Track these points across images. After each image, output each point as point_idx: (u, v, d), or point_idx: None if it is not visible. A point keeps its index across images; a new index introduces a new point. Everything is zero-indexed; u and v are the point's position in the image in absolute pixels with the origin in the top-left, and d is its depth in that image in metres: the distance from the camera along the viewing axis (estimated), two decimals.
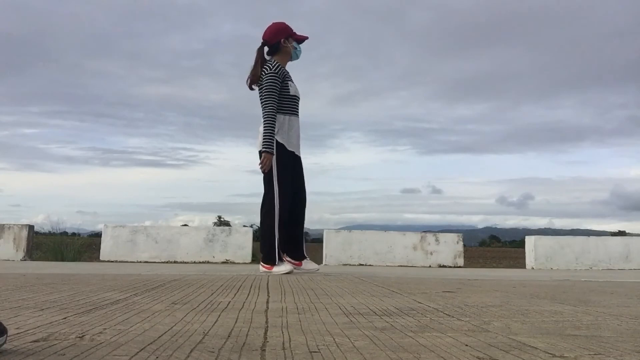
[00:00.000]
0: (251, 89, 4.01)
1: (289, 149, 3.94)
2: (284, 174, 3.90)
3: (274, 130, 3.85)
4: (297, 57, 4.08)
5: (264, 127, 3.84)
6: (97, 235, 8.45)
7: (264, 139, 3.82)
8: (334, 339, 1.14)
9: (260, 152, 3.87)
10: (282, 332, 1.22)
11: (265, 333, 1.21)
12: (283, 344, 1.08)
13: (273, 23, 4.06)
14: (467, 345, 1.09)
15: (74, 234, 9.38)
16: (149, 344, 1.04)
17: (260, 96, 3.92)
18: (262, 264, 3.96)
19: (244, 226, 8.45)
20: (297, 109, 4.00)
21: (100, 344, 1.04)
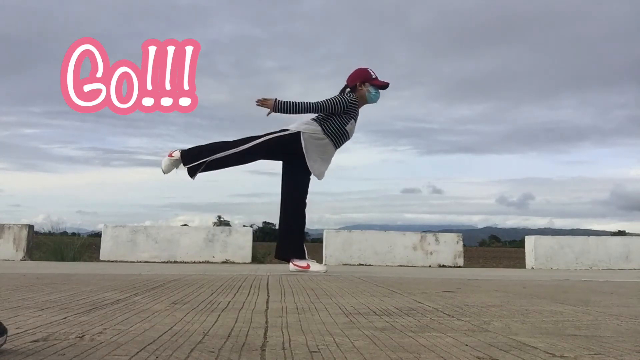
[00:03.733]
0: None
1: (309, 162, 4.04)
2: (268, 146, 4.04)
3: (296, 106, 4.00)
4: (372, 101, 4.25)
5: (296, 102, 4.00)
6: (97, 235, 8.44)
7: (293, 103, 3.99)
8: (334, 339, 1.14)
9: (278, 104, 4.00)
10: (282, 332, 1.22)
11: (265, 333, 1.21)
12: (283, 344, 1.08)
13: (357, 68, 4.27)
14: (467, 345, 1.09)
15: (74, 234, 9.36)
16: (149, 344, 1.04)
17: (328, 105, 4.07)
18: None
19: (244, 226, 8.44)
20: (342, 144, 4.17)
21: (100, 344, 1.04)
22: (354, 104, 4.10)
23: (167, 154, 4.06)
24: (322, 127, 4.02)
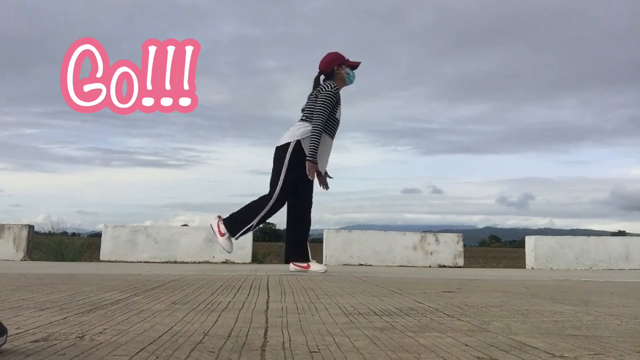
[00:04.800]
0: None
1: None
2: (291, 181, 4.05)
3: (319, 142, 4.02)
4: (350, 82, 4.30)
5: (313, 137, 4.00)
6: (97, 235, 8.43)
7: (310, 148, 4.00)
8: (334, 339, 1.14)
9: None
10: (282, 332, 1.22)
11: (265, 333, 1.21)
12: (283, 344, 1.08)
13: (327, 53, 4.31)
14: (467, 345, 1.09)
15: (74, 234, 9.35)
16: (149, 344, 1.04)
17: (315, 106, 4.07)
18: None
19: None
20: (335, 132, 4.21)
21: (100, 344, 1.04)
22: (338, 91, 4.14)
23: (215, 229, 4.03)
24: None
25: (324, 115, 4.03)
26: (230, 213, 4.06)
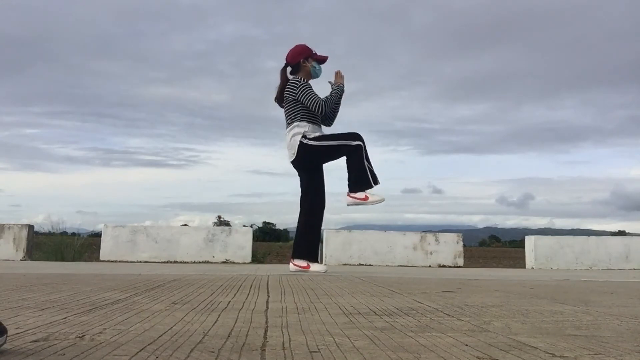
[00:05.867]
0: (281, 106, 4.28)
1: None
2: (332, 137, 4.16)
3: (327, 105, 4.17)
4: (317, 76, 4.33)
5: (327, 98, 4.17)
6: (97, 235, 8.44)
7: (332, 93, 4.23)
8: (334, 339, 1.14)
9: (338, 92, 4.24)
10: (282, 332, 1.22)
11: (265, 333, 1.21)
12: (283, 344, 1.08)
13: (295, 45, 4.34)
14: (467, 345, 1.09)
15: (74, 234, 9.36)
16: (149, 344, 1.04)
17: (303, 101, 4.13)
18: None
19: (244, 226, 8.45)
20: (319, 121, 4.25)
21: (100, 344, 1.04)
22: (306, 81, 4.19)
23: (358, 200, 4.02)
24: (306, 120, 4.11)
25: (315, 97, 4.09)
26: (348, 184, 4.05)
